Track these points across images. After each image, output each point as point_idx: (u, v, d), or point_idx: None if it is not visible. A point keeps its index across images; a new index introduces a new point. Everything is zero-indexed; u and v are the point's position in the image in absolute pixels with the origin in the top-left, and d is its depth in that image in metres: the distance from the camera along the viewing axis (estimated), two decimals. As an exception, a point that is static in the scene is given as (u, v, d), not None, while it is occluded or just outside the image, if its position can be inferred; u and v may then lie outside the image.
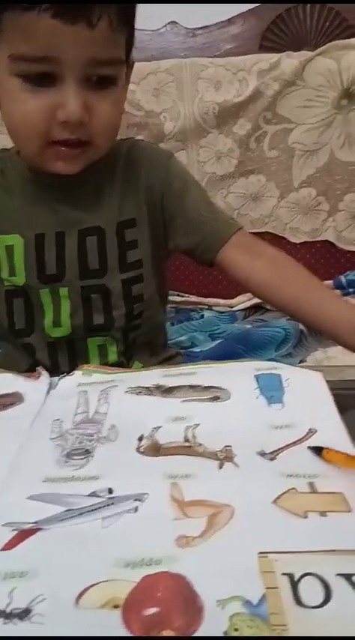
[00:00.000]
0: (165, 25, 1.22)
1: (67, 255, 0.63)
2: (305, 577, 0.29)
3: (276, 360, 0.67)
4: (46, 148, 0.56)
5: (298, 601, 0.28)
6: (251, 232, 1.05)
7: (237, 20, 1.22)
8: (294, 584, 0.29)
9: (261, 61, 1.11)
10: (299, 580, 0.29)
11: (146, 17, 1.16)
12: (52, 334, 0.65)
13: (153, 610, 0.28)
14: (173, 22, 1.22)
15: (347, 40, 1.12)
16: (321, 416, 0.45)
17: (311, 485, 0.36)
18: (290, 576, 0.29)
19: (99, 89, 0.54)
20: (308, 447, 0.40)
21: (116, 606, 0.28)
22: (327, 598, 0.28)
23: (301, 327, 0.98)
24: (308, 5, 1.19)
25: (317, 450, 0.39)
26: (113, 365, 0.66)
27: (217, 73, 1.12)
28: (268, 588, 0.28)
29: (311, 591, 0.28)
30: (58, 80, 0.52)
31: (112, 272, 0.64)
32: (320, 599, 0.28)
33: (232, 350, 0.91)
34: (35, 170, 0.62)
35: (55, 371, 0.58)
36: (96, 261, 0.64)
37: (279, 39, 1.22)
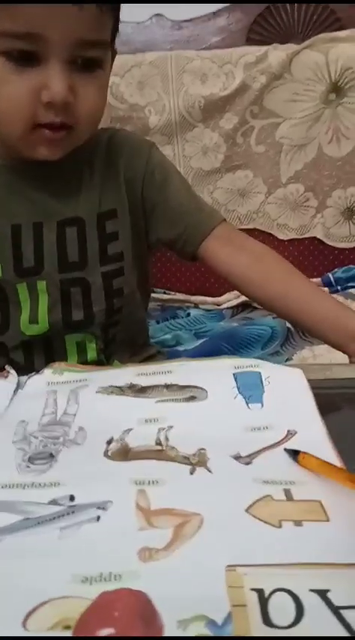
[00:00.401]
0: (150, 18, 1.20)
1: (45, 246, 0.60)
2: (276, 593, 0.27)
3: (262, 359, 0.65)
4: (30, 132, 0.53)
5: (267, 620, 0.25)
6: (238, 229, 1.03)
7: (222, 13, 1.19)
8: (264, 602, 0.26)
9: (248, 53, 1.09)
10: (269, 596, 0.26)
11: (131, 9, 1.14)
12: (28, 332, 0.62)
13: (107, 631, 0.25)
14: (158, 15, 1.19)
15: (334, 33, 1.10)
16: (301, 416, 0.43)
17: (287, 492, 0.34)
18: (260, 592, 0.27)
19: (84, 72, 0.52)
20: (285, 449, 0.38)
21: (67, 627, 0.26)
22: (299, 617, 0.25)
23: (288, 325, 0.95)
24: (296, -3, 1.17)
25: (294, 454, 0.37)
26: (92, 363, 0.63)
27: (203, 65, 1.09)
28: (234, 606, 0.26)
29: (281, 609, 0.26)
30: (42, 60, 0.50)
31: (93, 265, 0.62)
32: (291, 619, 0.25)
33: (217, 348, 0.89)
34: (11, 158, 0.60)
35: (29, 372, 0.55)
36: (76, 254, 0.61)
37: (266, 32, 1.20)
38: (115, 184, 0.64)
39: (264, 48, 1.09)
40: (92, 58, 0.52)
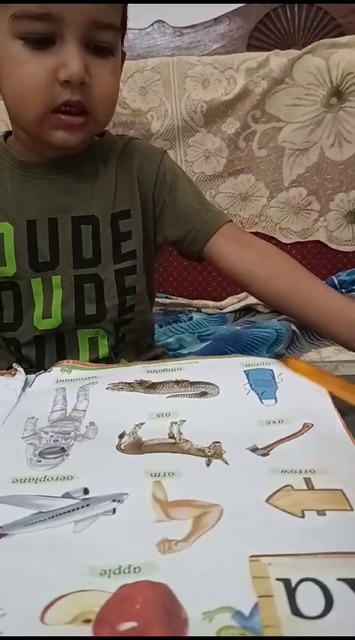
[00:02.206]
0: (151, 24, 1.20)
1: (60, 242, 0.61)
2: (303, 583, 0.26)
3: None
4: (47, 116, 0.54)
5: (295, 610, 0.24)
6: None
7: (223, 19, 1.20)
8: (291, 592, 0.25)
9: (249, 59, 1.09)
10: (296, 586, 0.26)
11: (132, 16, 1.15)
12: (41, 326, 0.62)
13: (129, 625, 0.24)
14: (160, 21, 1.20)
15: (335, 39, 1.11)
16: (317, 410, 0.42)
17: (307, 481, 0.33)
18: (286, 582, 0.26)
19: (97, 56, 0.53)
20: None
21: (87, 621, 0.25)
22: (328, 606, 0.24)
23: (293, 327, 0.95)
24: (296, 4, 1.18)
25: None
26: (103, 359, 0.63)
27: (205, 71, 1.10)
28: (261, 596, 0.25)
29: (310, 599, 0.25)
30: (58, 41, 0.51)
31: (106, 262, 0.62)
32: (320, 608, 0.24)
33: (222, 351, 0.88)
34: (26, 154, 0.60)
35: (40, 367, 0.54)
36: (91, 250, 0.62)
37: (267, 38, 1.20)
38: (129, 186, 0.65)
39: (265, 53, 1.09)
40: (104, 43, 0.53)
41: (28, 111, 0.54)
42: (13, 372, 0.51)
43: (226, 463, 0.36)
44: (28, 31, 0.50)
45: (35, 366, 0.61)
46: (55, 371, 0.51)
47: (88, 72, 0.52)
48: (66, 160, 0.60)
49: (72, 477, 0.35)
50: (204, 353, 0.89)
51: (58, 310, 0.61)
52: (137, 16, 1.16)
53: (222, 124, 1.11)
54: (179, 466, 0.35)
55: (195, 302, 1.16)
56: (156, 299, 1.13)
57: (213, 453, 0.37)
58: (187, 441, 0.39)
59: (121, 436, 0.40)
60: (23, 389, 0.48)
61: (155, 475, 0.34)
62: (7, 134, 0.64)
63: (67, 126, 0.54)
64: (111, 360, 0.64)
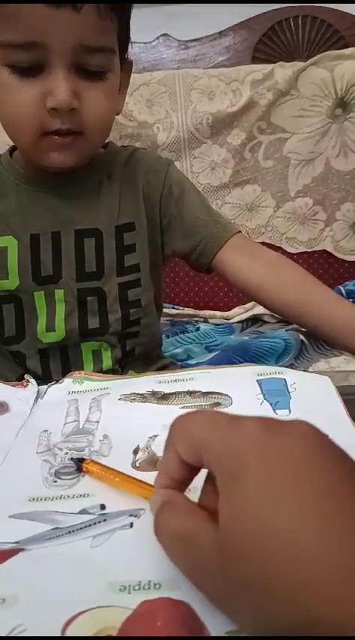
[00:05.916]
0: (157, 38, 1.22)
1: (63, 255, 0.61)
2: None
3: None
4: (39, 140, 0.54)
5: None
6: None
7: (228, 33, 1.22)
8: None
9: (255, 71, 1.10)
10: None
11: (137, 30, 1.16)
12: (45, 340, 0.62)
13: (151, 642, 0.24)
14: (165, 35, 1.22)
15: (339, 51, 1.12)
16: (332, 420, 0.41)
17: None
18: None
19: (89, 79, 0.53)
20: (71, 459, 0.37)
21: (108, 637, 0.24)
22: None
23: (302, 337, 0.94)
24: (300, 17, 1.19)
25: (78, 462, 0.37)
26: (107, 372, 0.62)
27: (210, 83, 1.11)
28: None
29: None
30: (46, 68, 0.51)
31: (109, 275, 0.62)
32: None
33: (230, 361, 0.88)
34: (31, 168, 0.61)
35: (46, 379, 0.54)
36: (94, 264, 0.61)
37: (272, 50, 1.21)
38: (134, 198, 0.64)
39: (270, 66, 1.11)
40: (95, 67, 0.52)
41: (21, 137, 0.54)
42: (24, 384, 0.51)
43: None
44: (15, 60, 0.50)
45: (41, 378, 0.61)
46: (67, 382, 0.51)
47: (78, 96, 0.52)
48: (69, 173, 0.59)
49: (88, 495, 0.35)
50: (212, 364, 0.89)
51: (62, 324, 0.61)
52: (142, 29, 1.18)
53: (228, 135, 1.12)
54: (194, 483, 0.35)
55: (202, 312, 1.17)
56: (163, 309, 1.14)
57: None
58: (202, 454, 0.38)
59: (135, 451, 0.39)
60: (35, 400, 0.48)
61: None
62: (14, 148, 0.65)
63: (61, 146, 0.54)
64: (116, 372, 0.64)
